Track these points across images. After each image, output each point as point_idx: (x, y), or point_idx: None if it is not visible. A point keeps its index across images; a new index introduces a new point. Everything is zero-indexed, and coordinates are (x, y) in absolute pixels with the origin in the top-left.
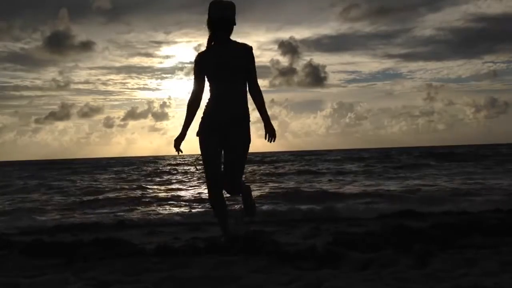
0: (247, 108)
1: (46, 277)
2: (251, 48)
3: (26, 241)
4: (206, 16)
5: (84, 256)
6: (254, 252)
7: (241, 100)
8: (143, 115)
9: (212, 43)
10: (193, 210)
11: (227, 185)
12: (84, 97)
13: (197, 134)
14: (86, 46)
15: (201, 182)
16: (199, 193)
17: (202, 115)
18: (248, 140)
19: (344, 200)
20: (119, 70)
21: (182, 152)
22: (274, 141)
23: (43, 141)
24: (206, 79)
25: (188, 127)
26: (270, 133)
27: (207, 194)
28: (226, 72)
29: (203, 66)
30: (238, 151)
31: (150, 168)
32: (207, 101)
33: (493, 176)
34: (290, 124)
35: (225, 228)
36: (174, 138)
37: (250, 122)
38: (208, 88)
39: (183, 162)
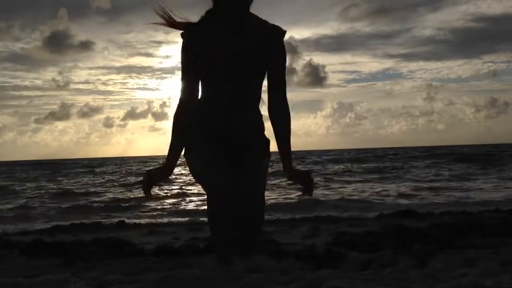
0: (262, 127)
1: (46, 277)
2: (283, 33)
3: (26, 241)
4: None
5: (84, 256)
6: None
7: (254, 117)
8: (143, 115)
9: (214, 15)
10: (192, 210)
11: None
12: (84, 97)
13: (185, 153)
14: (86, 46)
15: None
16: (198, 193)
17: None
18: (265, 164)
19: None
20: (119, 70)
21: (154, 199)
22: (311, 194)
23: (43, 141)
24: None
25: (178, 154)
26: (302, 182)
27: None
28: (234, 69)
29: (197, 53)
30: (250, 174)
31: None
32: (197, 110)
33: (486, 177)
34: None
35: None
36: (147, 172)
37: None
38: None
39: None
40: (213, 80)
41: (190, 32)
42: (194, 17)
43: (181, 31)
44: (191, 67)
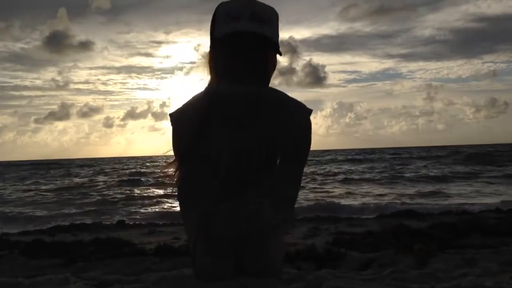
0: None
1: (46, 277)
2: (308, 113)
3: (26, 241)
4: (209, 22)
5: (84, 256)
6: None
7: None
8: (143, 115)
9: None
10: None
11: None
12: (84, 97)
13: (192, 246)
14: (86, 46)
15: None
16: None
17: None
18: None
19: None
20: (119, 70)
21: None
22: None
23: (43, 141)
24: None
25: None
26: None
27: None
28: (243, 165)
29: (195, 148)
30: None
31: (152, 169)
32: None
33: (486, 177)
34: None
35: None
36: None
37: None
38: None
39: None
40: (212, 185)
41: (182, 119)
42: (194, 18)
43: (169, 113)
44: (189, 159)
